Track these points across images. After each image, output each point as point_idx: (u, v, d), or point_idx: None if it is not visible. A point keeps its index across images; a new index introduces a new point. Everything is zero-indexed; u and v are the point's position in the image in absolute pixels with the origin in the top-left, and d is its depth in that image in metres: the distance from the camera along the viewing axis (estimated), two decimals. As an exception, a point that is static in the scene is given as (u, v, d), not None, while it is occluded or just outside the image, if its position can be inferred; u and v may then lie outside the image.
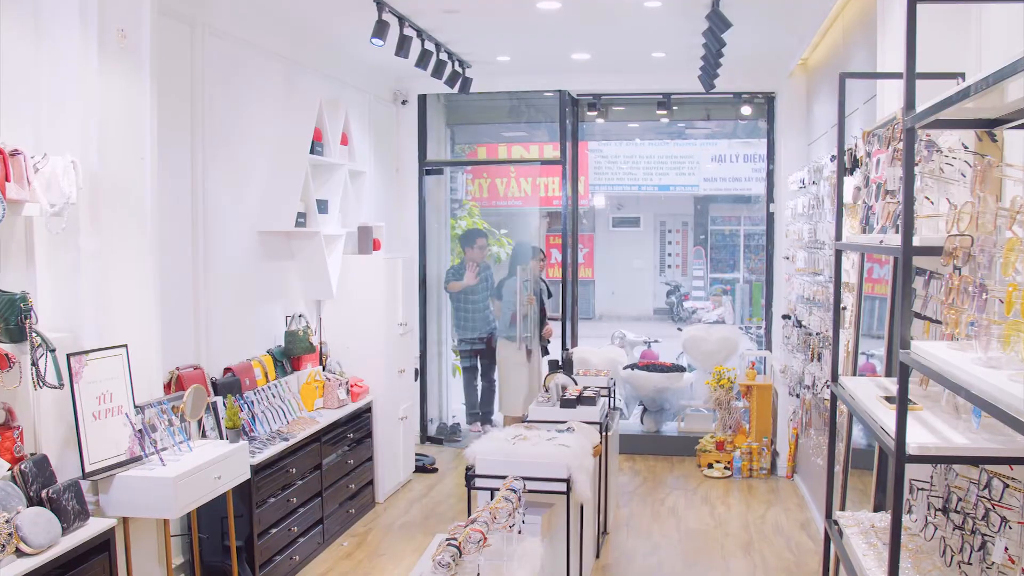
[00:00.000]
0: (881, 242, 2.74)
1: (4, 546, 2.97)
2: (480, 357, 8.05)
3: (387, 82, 7.66)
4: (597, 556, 5.26)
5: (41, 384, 3.31)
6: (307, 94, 5.92)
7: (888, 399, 2.75)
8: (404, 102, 7.88)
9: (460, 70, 6.76)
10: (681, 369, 8.11)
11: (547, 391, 5.55)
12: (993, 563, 2.22)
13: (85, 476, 3.56)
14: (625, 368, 7.91)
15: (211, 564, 4.50)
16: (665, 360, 8.68)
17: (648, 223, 19.42)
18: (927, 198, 2.71)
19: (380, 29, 5.14)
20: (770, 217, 7.65)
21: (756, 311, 15.25)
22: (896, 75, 3.33)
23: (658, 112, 7.85)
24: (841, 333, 3.86)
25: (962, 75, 2.94)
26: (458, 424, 8.15)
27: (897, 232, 2.56)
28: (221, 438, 4.53)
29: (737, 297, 17.13)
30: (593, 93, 7.87)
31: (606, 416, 5.48)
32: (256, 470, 4.53)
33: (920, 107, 2.30)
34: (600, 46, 6.59)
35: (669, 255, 19.77)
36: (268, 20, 5.45)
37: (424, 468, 7.15)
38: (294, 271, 5.97)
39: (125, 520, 3.76)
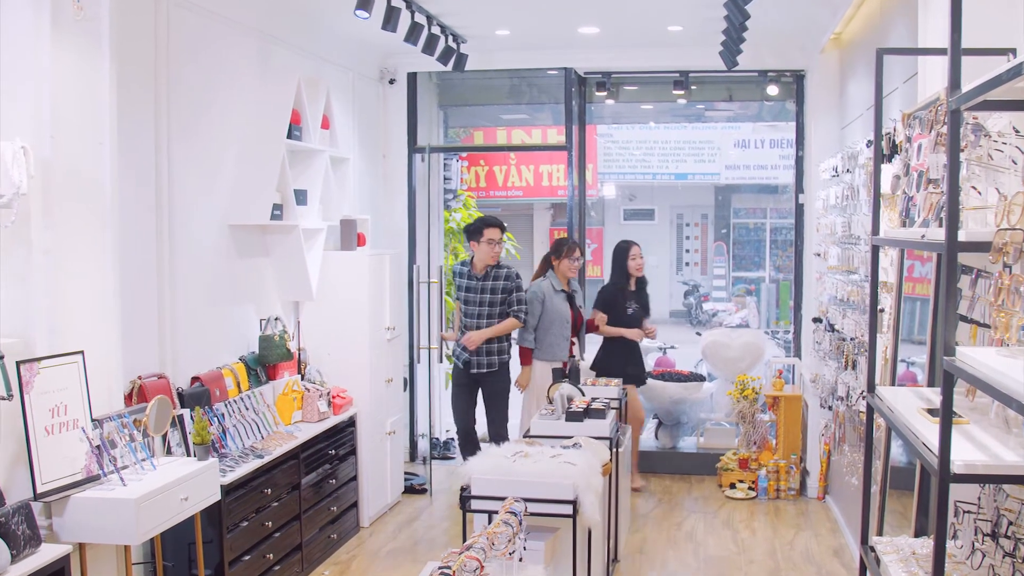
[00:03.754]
0: (923, 237, 2.74)
1: (-53, 575, 2.97)
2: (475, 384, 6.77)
3: (373, 59, 7.66)
4: (607, 586, 5.26)
5: (-12, 395, 3.30)
6: (284, 72, 5.92)
7: (931, 411, 2.75)
8: (392, 81, 7.88)
9: (454, 45, 6.76)
10: (700, 378, 8.11)
11: (551, 403, 5.55)
12: (1047, 594, 2.22)
13: (37, 497, 3.56)
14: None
15: (177, 595, 4.50)
16: (682, 368, 8.68)
17: (663, 216, 19.45)
18: (974, 188, 2.71)
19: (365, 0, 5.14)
20: (799, 209, 7.66)
21: (784, 314, 15.28)
22: (940, 51, 3.33)
23: (675, 92, 7.85)
24: (878, 338, 3.86)
25: (1013, 51, 2.94)
26: (452, 440, 8.15)
27: (940, 226, 2.56)
28: (188, 455, 4.53)
29: (762, 298, 17.16)
30: (602, 71, 7.87)
31: (617, 431, 5.48)
32: (227, 491, 4.53)
33: (966, 87, 2.30)
34: (610, 18, 6.59)
35: (687, 251, 19.79)
36: (240, -10, 5.46)
37: (414, 488, 7.15)
38: (269, 269, 5.98)
39: (81, 546, 3.76)
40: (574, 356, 7.39)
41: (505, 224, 6.80)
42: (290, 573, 5.22)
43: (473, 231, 6.64)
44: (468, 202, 9.34)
